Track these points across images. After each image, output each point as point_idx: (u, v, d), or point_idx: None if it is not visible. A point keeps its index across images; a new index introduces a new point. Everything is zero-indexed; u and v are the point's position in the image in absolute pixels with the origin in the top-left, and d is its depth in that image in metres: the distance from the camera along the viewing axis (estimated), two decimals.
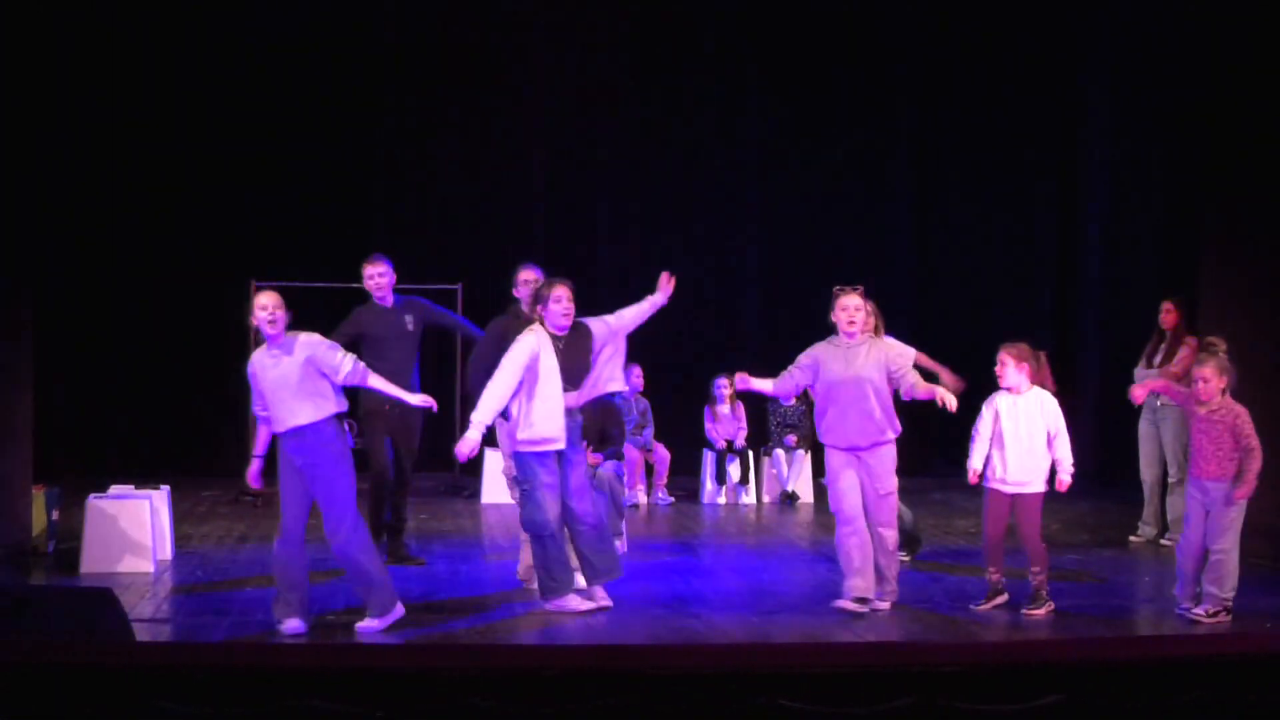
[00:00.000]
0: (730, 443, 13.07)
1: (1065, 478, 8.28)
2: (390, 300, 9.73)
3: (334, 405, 7.60)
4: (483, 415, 7.83)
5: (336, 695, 4.92)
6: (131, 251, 13.91)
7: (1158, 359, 10.66)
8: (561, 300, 7.99)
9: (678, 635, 7.65)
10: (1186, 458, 10.41)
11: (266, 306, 7.59)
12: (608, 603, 8.13)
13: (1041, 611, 8.12)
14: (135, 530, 9.19)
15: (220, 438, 13.46)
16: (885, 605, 8.19)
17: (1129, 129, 13.73)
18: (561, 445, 8.00)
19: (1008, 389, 8.26)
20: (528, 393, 7.92)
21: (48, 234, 12.82)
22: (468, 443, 7.74)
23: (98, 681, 4.95)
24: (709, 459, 13.08)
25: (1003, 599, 8.28)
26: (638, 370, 12.76)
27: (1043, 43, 14.71)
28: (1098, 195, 14.15)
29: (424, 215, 14.49)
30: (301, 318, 10.14)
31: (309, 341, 7.63)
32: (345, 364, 7.60)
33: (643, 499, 12.72)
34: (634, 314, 8.48)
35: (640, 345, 13.82)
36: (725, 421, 13.15)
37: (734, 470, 13.04)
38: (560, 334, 8.03)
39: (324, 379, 7.57)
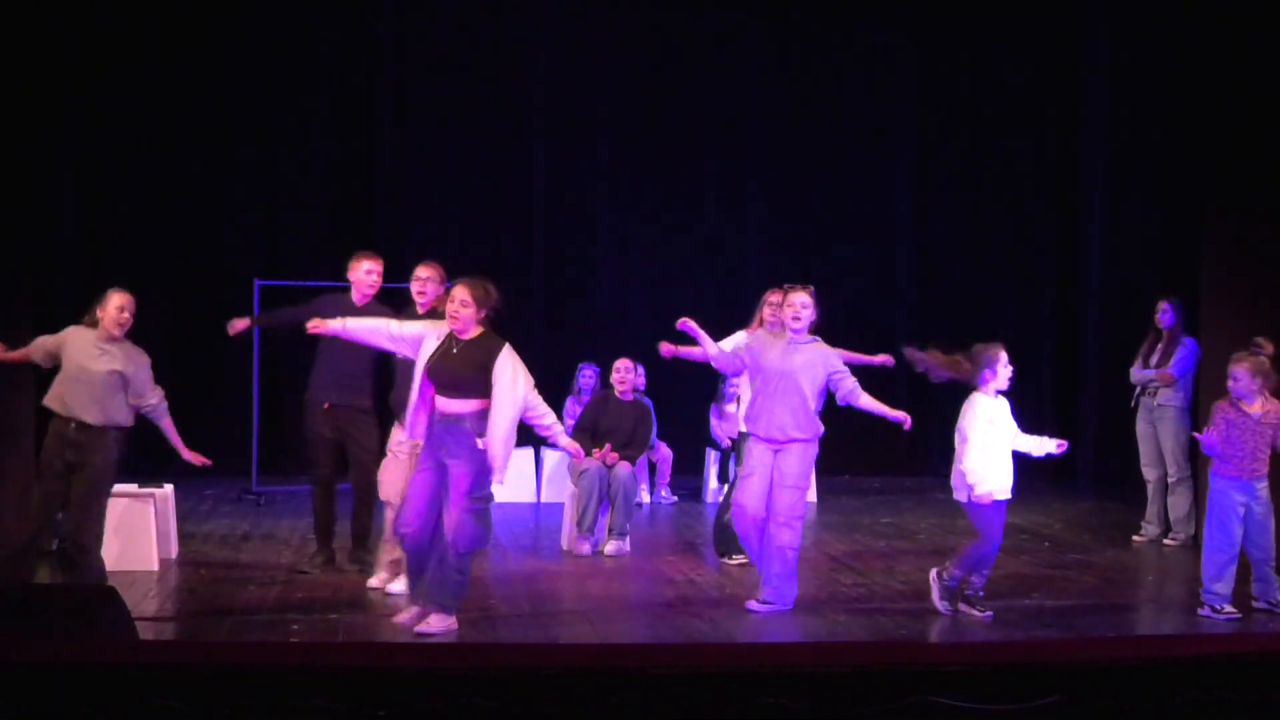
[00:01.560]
0: (735, 441, 13.05)
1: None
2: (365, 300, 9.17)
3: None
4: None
5: (339, 694, 4.92)
6: (134, 250, 13.91)
7: (1154, 359, 10.67)
8: (453, 301, 7.45)
9: (680, 634, 7.66)
10: (1186, 457, 10.47)
11: (125, 308, 8.15)
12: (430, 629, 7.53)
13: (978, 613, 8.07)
14: (139, 528, 9.21)
15: (223, 437, 13.44)
16: (760, 609, 8.16)
17: (1129, 127, 13.74)
18: (416, 441, 7.65)
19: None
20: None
21: (50, 232, 12.83)
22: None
23: (101, 680, 4.96)
24: (713, 458, 13.07)
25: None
26: (640, 370, 12.74)
27: (1043, 41, 14.71)
28: (1098, 195, 14.15)
29: (425, 215, 14.48)
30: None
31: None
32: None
33: (645, 498, 12.71)
34: (544, 423, 7.61)
35: (643, 344, 13.90)
36: (732, 420, 13.13)
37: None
38: (461, 336, 7.46)
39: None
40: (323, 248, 14.15)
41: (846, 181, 14.89)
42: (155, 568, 9.17)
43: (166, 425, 8.23)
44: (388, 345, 7.80)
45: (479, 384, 7.37)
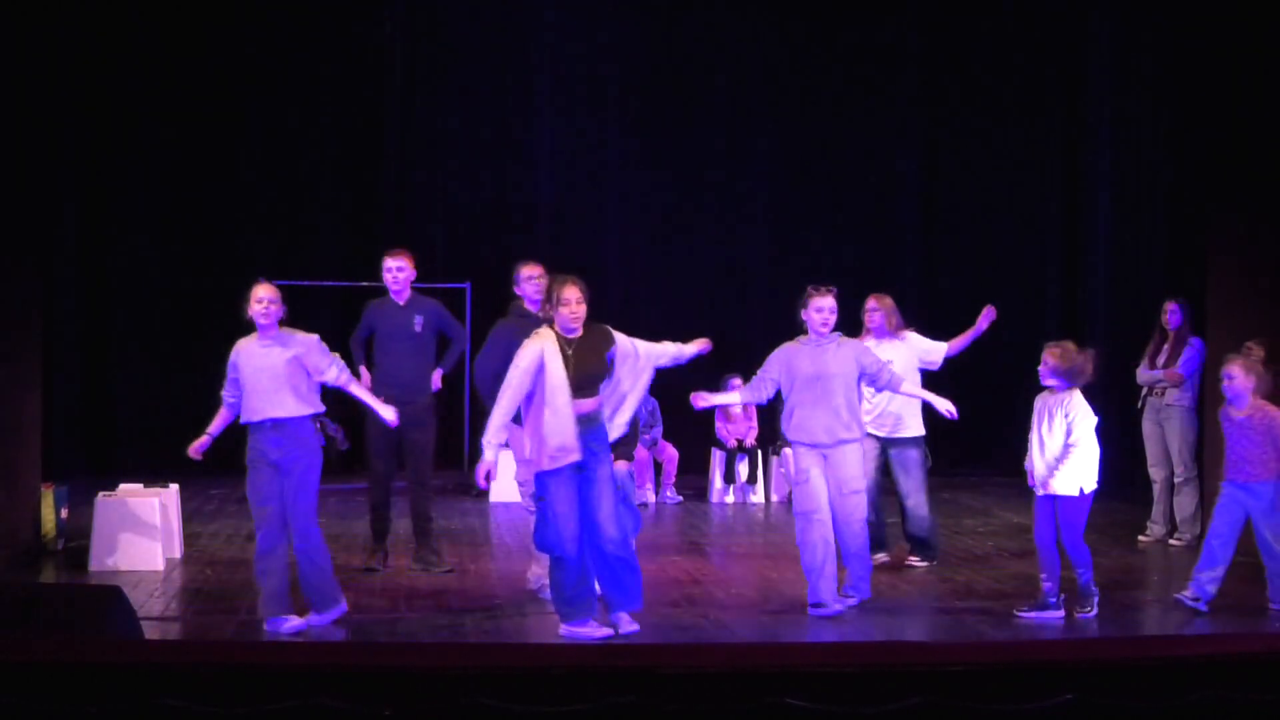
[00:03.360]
0: (740, 442, 13.06)
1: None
2: (404, 298, 9.38)
3: (314, 405, 7.68)
4: (492, 435, 7.37)
5: (344, 693, 4.93)
6: (141, 249, 13.93)
7: (1161, 359, 10.65)
8: (570, 303, 7.31)
9: (686, 634, 7.66)
10: (1193, 457, 10.46)
11: (263, 299, 7.73)
12: (633, 627, 7.46)
13: (1093, 612, 8.01)
14: (144, 528, 9.23)
15: (229, 437, 13.42)
16: (847, 604, 8.10)
17: (1136, 127, 13.71)
18: (577, 457, 7.31)
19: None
20: (536, 402, 7.36)
21: (58, 231, 12.84)
22: (484, 466, 7.37)
23: (106, 679, 4.96)
24: (719, 458, 13.06)
25: (1054, 613, 8.03)
26: None
27: (1048, 39, 14.70)
28: (1104, 195, 14.13)
29: (431, 215, 14.50)
30: (310, 316, 10.08)
31: (305, 340, 7.72)
32: (332, 369, 7.70)
33: (651, 498, 12.72)
34: (668, 353, 7.79)
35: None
36: (738, 421, 13.14)
37: (742, 469, 13.02)
38: (571, 336, 7.37)
39: (308, 377, 7.66)
40: (331, 248, 14.18)
41: (852, 180, 14.90)
42: (161, 567, 9.18)
43: (357, 394, 7.99)
44: (527, 389, 7.39)
45: (601, 376, 7.47)
